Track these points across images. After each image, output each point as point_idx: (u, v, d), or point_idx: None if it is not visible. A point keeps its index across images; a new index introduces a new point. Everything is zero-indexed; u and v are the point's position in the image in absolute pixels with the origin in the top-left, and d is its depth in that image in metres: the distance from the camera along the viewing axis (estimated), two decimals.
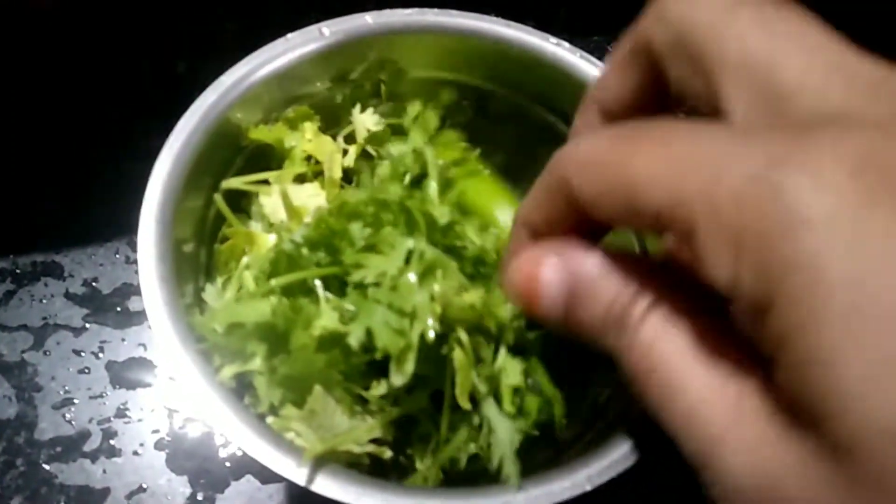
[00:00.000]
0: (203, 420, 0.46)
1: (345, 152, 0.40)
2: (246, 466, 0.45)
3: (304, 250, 0.29)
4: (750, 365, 0.20)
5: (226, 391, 0.31)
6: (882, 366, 0.16)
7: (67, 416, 0.46)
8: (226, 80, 0.37)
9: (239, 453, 0.45)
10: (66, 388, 0.47)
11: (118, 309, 0.49)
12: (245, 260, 0.34)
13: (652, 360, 0.21)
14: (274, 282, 0.29)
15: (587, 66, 0.39)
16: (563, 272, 0.24)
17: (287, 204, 0.35)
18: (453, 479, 0.32)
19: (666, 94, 0.25)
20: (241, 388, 0.32)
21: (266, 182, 0.38)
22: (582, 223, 0.24)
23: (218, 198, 0.37)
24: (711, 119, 0.23)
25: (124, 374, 0.47)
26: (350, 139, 0.41)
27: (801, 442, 0.18)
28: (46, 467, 0.45)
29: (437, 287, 0.26)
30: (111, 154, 0.53)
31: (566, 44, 0.39)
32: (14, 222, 0.52)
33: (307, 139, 0.39)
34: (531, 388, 0.31)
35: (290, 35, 0.39)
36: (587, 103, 0.28)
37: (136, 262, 0.32)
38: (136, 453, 0.45)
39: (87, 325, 0.49)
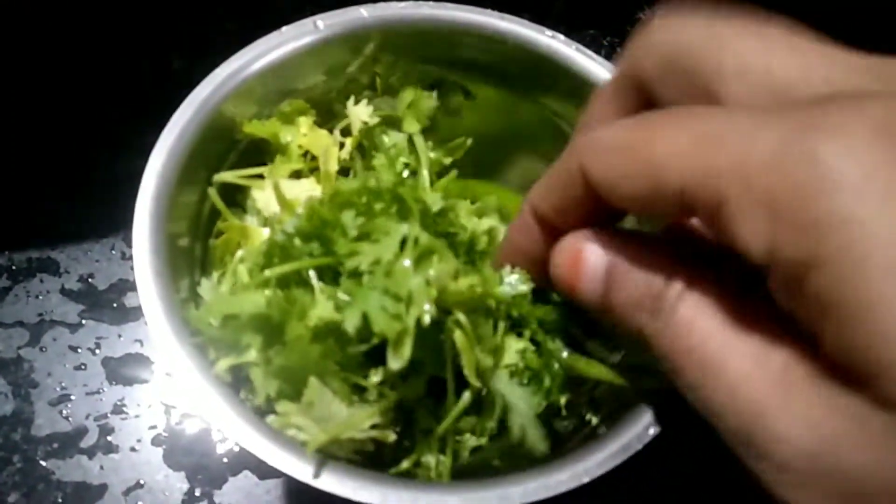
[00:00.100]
0: (200, 415, 0.46)
1: (341, 146, 0.40)
2: (244, 462, 0.45)
3: (297, 241, 0.29)
4: (787, 336, 0.20)
5: (222, 386, 0.30)
6: None
7: (64, 412, 0.46)
8: (220, 74, 0.37)
9: (236, 449, 0.45)
10: (63, 384, 0.47)
11: (114, 305, 0.49)
12: (240, 254, 0.34)
13: (690, 339, 0.22)
14: (269, 272, 0.29)
15: (582, 59, 0.39)
16: (604, 256, 0.25)
17: (280, 197, 0.35)
18: (455, 473, 0.32)
19: None
20: (238, 383, 0.32)
21: (260, 176, 0.38)
22: (596, 210, 0.25)
23: (212, 192, 0.37)
24: None
25: (121, 371, 0.47)
26: (346, 132, 0.41)
27: (856, 401, 0.18)
28: (43, 464, 0.44)
29: (432, 271, 0.26)
30: (107, 150, 0.53)
31: (561, 36, 0.39)
32: (9, 218, 0.52)
33: (302, 133, 0.39)
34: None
35: (284, 28, 0.39)
36: (580, 129, 0.29)
37: (131, 257, 0.32)
38: (133, 449, 0.45)
39: (84, 322, 0.49)
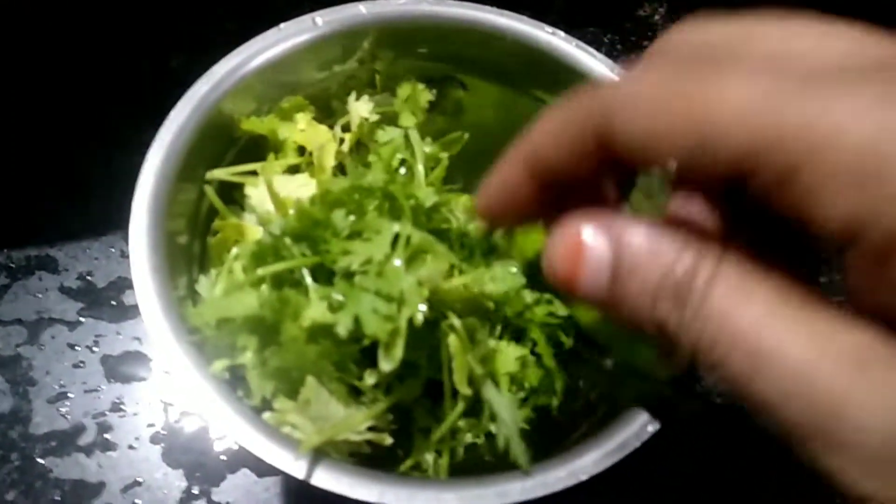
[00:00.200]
0: (198, 413, 0.46)
1: (341, 142, 0.40)
2: (242, 460, 0.45)
3: (287, 240, 0.29)
4: (852, 318, 0.18)
5: (220, 383, 0.30)
6: None
7: (62, 410, 0.46)
8: (218, 71, 0.37)
9: (235, 446, 0.45)
10: (61, 382, 0.47)
11: (113, 303, 0.49)
12: (234, 251, 0.34)
13: (733, 328, 0.19)
14: (260, 270, 0.28)
15: (583, 55, 0.39)
16: (610, 240, 0.22)
17: (273, 195, 0.34)
18: (452, 469, 0.32)
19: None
20: (235, 381, 0.31)
21: (254, 173, 0.38)
22: (602, 167, 0.22)
23: (209, 189, 0.37)
24: None
25: (119, 368, 0.47)
26: (347, 129, 0.41)
27: None
28: (41, 461, 0.44)
29: (424, 271, 0.26)
30: (107, 148, 0.53)
31: (561, 33, 0.39)
32: (8, 216, 0.51)
33: (300, 129, 0.38)
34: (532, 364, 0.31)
35: (283, 25, 0.38)
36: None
37: None
38: (131, 447, 0.45)
39: (82, 319, 0.49)
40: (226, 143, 0.39)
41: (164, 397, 0.47)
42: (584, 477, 0.29)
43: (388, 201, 0.29)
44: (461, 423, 0.31)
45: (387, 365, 0.25)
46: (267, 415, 0.30)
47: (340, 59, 0.40)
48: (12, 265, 0.50)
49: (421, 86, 0.40)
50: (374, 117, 0.40)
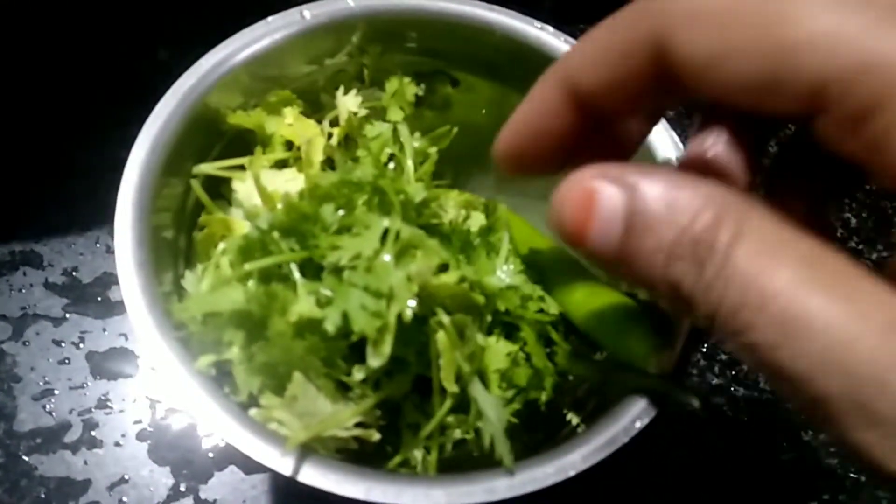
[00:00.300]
0: (184, 410, 0.45)
1: (329, 136, 0.40)
2: (229, 457, 0.45)
3: (275, 235, 0.29)
4: (890, 285, 0.17)
5: (206, 380, 0.30)
6: None
7: (47, 407, 0.45)
8: (205, 64, 0.36)
9: (222, 444, 0.45)
10: (46, 378, 0.46)
11: (99, 299, 0.49)
12: (221, 246, 0.34)
13: (760, 291, 0.17)
14: (247, 265, 0.28)
15: None
16: (624, 190, 0.19)
17: (261, 189, 0.34)
18: (440, 465, 0.32)
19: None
20: (222, 377, 0.31)
21: (241, 167, 0.38)
22: (650, 95, 0.20)
23: (195, 183, 0.36)
24: None
25: (105, 365, 0.47)
26: (335, 123, 0.40)
27: None
28: (26, 459, 0.44)
29: (413, 267, 0.25)
30: (92, 143, 0.52)
31: (550, 28, 0.39)
32: None
33: (287, 124, 0.38)
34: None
35: (270, 18, 0.38)
36: None
37: None
38: (117, 444, 0.45)
39: (68, 315, 0.48)
40: (212, 137, 0.38)
41: (150, 394, 0.46)
42: (572, 473, 0.29)
43: (377, 196, 0.29)
44: (450, 420, 0.31)
45: (375, 361, 0.25)
46: (254, 411, 0.30)
47: (328, 53, 0.40)
48: None
49: (408, 80, 0.40)
50: (363, 112, 0.40)
